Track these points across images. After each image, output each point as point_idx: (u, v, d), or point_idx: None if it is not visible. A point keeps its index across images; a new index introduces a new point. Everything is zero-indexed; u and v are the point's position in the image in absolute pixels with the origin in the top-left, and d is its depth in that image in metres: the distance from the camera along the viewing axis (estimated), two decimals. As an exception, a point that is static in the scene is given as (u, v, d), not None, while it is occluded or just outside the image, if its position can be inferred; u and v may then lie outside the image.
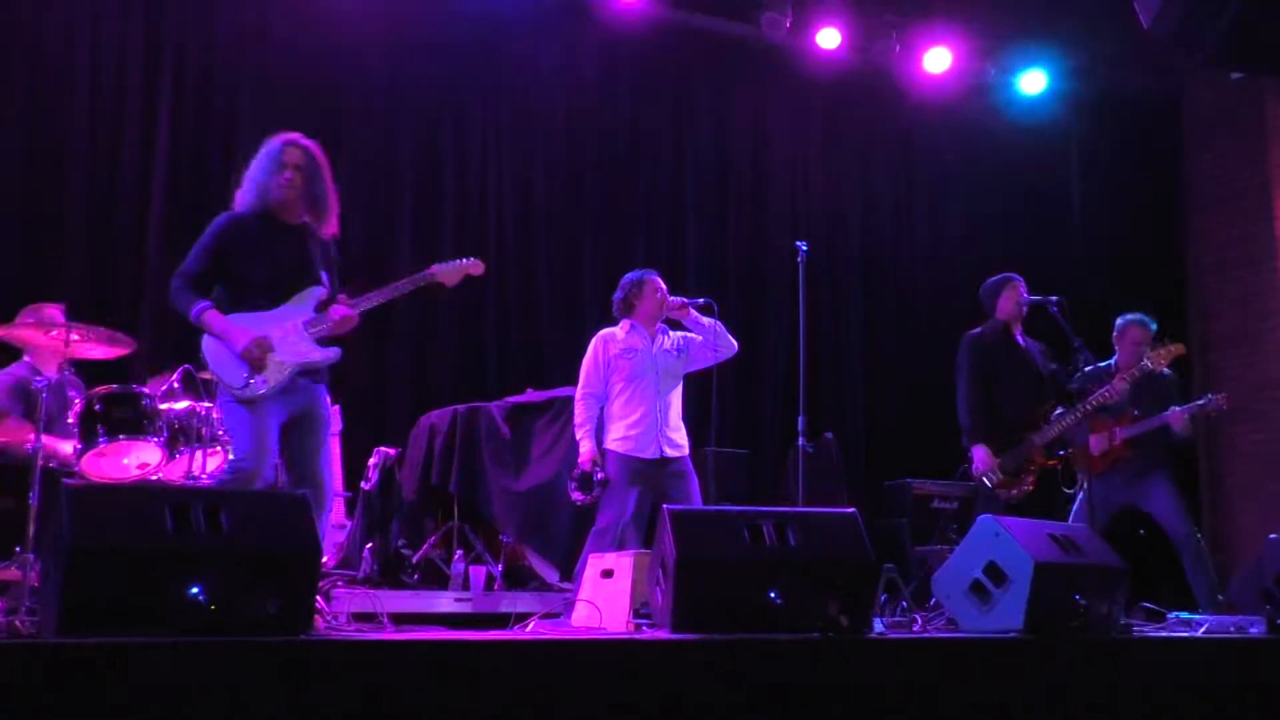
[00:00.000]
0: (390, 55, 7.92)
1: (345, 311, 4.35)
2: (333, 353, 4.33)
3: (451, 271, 4.63)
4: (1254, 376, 9.24)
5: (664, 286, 5.71)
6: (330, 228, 4.47)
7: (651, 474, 5.50)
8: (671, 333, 5.76)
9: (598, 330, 5.70)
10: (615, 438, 5.55)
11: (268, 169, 4.33)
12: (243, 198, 4.38)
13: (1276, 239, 9.19)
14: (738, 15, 8.68)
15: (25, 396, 5.22)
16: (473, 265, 4.68)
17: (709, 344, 5.65)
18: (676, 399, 5.66)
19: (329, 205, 4.43)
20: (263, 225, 4.32)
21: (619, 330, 5.70)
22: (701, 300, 5.66)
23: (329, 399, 4.43)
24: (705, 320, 5.65)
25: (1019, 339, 6.07)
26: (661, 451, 5.50)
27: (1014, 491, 5.76)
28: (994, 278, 6.18)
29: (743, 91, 9.09)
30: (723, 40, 8.90)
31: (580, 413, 5.59)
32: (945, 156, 9.59)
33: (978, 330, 6.07)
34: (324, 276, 4.41)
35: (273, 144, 4.38)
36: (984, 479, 5.79)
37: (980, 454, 5.80)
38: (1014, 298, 6.03)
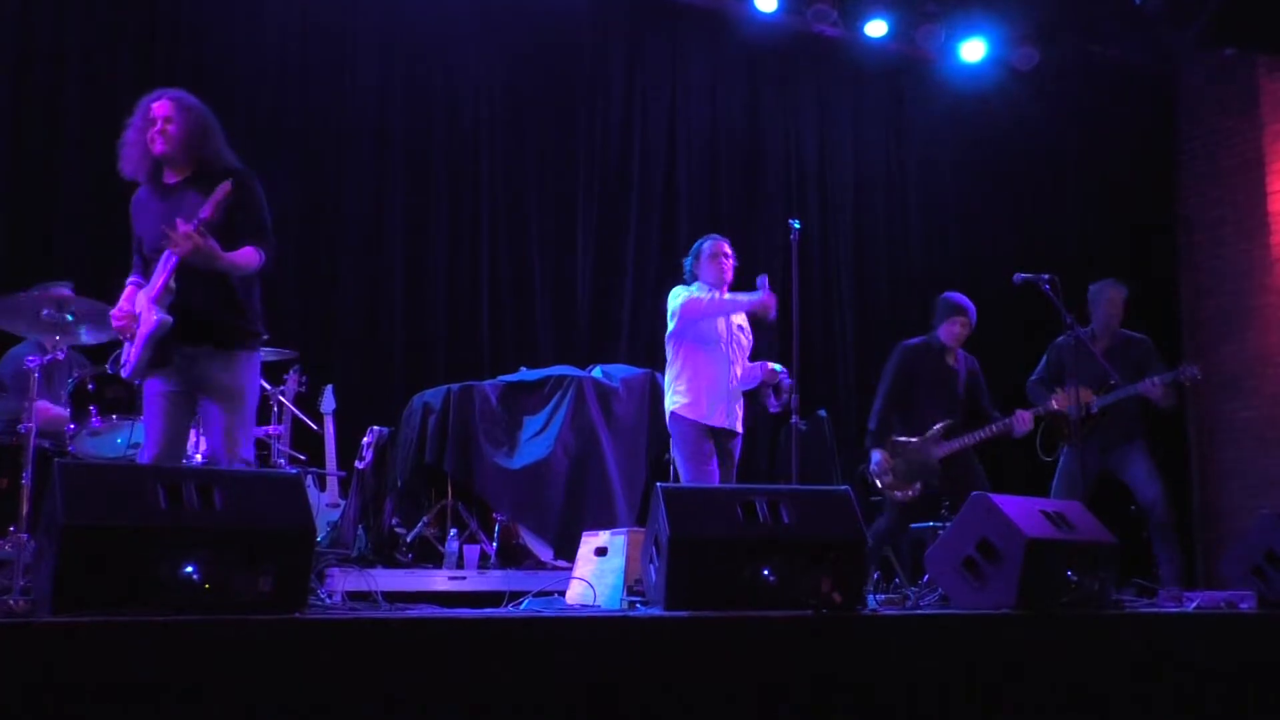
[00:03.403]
0: (383, 38, 7.89)
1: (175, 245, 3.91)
2: (155, 321, 3.97)
3: None
4: (1245, 353, 9.26)
5: (728, 250, 5.69)
6: (227, 165, 4.21)
7: (715, 441, 5.51)
8: None
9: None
10: (684, 402, 5.51)
11: (139, 128, 4.19)
12: (131, 166, 4.22)
13: (1269, 215, 9.20)
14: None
15: (44, 375, 5.18)
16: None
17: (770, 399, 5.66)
18: (742, 373, 5.70)
19: (214, 146, 4.21)
20: (148, 193, 4.23)
21: (698, 290, 5.67)
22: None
23: (239, 364, 4.15)
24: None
25: (947, 360, 6.22)
26: (726, 422, 5.51)
27: (901, 494, 6.05)
28: (954, 299, 6.26)
29: (734, 68, 9.05)
30: (713, 16, 8.86)
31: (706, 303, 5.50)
32: (938, 134, 9.56)
33: (916, 340, 6.25)
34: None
35: (141, 103, 4.24)
36: (877, 479, 6.06)
37: (878, 456, 6.05)
38: (954, 331, 6.17)
